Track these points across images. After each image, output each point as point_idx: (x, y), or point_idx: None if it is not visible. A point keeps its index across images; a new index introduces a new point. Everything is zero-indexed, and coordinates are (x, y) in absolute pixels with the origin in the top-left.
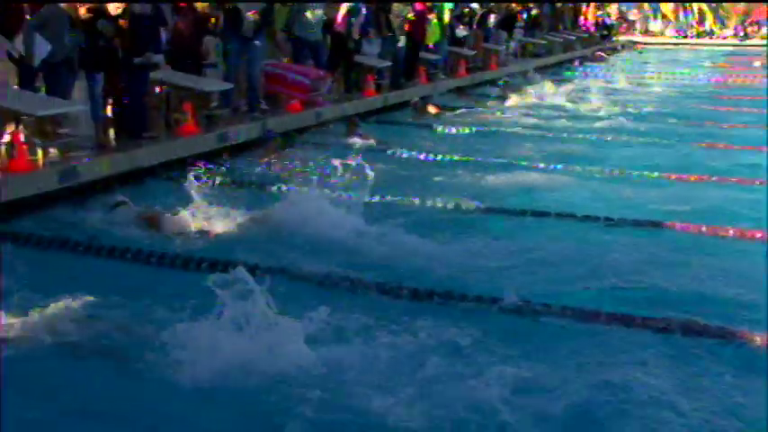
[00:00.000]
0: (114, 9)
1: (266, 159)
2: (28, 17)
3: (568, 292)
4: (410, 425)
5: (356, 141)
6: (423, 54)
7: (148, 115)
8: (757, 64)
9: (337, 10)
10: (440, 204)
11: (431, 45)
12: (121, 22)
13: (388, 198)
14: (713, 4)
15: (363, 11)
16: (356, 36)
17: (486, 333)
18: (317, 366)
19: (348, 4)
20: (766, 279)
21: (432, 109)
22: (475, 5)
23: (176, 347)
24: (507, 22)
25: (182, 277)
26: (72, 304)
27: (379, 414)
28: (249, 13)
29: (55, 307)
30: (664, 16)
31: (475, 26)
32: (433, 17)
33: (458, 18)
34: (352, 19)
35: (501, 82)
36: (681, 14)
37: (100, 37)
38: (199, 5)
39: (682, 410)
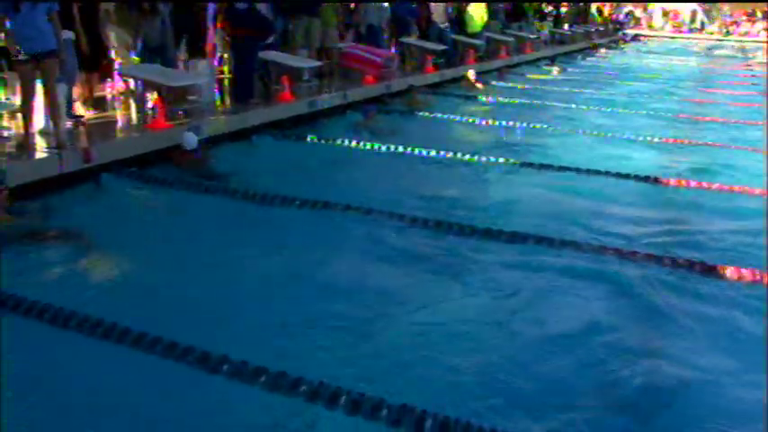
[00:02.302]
0: None
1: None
2: None
3: None
4: None
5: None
6: (470, 39)
7: (255, 86)
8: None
9: None
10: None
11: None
12: None
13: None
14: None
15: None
16: None
17: None
18: None
19: None
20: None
21: (479, 85)
22: None
23: None
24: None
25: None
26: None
27: None
28: None
29: None
30: (672, 14)
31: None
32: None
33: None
34: None
35: (546, 62)
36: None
37: None
38: None
39: None
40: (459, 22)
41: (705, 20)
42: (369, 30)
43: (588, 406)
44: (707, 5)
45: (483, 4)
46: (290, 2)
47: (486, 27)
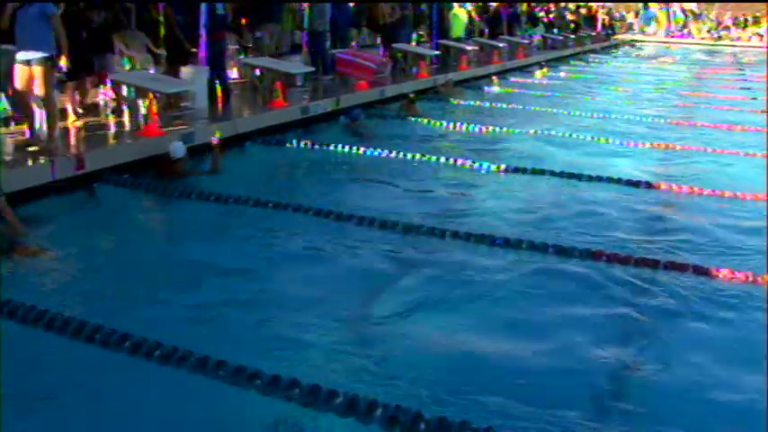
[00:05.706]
0: None
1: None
2: None
3: None
4: None
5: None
6: (460, 45)
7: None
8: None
9: None
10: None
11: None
12: None
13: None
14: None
15: None
16: None
17: None
18: None
19: None
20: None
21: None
22: None
23: None
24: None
25: None
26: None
27: None
28: None
29: None
30: (657, 21)
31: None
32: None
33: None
34: None
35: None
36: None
37: None
38: None
39: None
40: (441, 26)
41: (693, 24)
42: (311, 35)
43: (581, 406)
44: (701, 3)
45: (464, 9)
46: (258, 11)
47: (470, 32)
